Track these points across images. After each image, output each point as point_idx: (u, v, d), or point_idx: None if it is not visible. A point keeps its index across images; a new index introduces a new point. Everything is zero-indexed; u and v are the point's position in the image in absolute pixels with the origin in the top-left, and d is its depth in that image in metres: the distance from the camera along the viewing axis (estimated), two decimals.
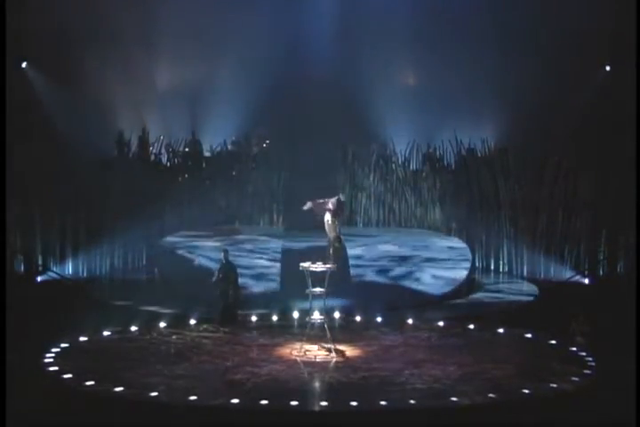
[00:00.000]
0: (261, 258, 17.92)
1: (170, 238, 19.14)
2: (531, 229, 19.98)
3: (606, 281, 18.70)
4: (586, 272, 19.13)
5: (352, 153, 21.93)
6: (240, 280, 15.26)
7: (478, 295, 17.64)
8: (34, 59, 21.12)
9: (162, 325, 14.49)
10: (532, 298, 17.39)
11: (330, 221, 12.98)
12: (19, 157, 17.94)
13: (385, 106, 21.92)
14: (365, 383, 11.31)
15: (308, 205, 13.30)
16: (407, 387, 11.10)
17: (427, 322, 15.02)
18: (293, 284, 15.87)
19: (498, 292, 18.12)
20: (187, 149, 21.92)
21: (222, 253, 15.27)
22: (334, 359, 12.49)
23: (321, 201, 13.12)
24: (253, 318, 15.11)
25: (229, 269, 15.05)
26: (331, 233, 12.98)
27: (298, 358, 12.51)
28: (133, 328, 14.25)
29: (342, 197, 13.49)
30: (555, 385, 11.18)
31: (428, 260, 18.18)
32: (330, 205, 13.02)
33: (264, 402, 10.38)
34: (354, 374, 11.74)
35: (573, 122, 20.75)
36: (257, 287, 16.79)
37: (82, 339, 13.51)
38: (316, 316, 13.12)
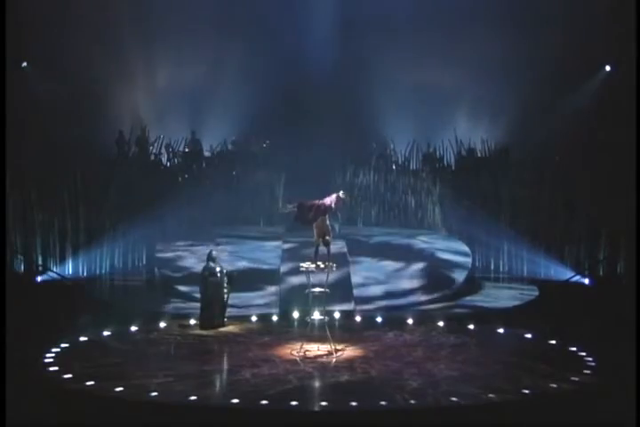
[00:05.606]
0: (260, 257, 17.95)
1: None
2: (531, 229, 19.97)
3: (606, 281, 18.68)
4: (586, 272, 19.12)
5: (352, 153, 21.92)
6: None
7: (478, 295, 17.62)
8: (34, 59, 21.14)
9: (162, 325, 14.51)
10: (531, 298, 17.38)
11: (323, 220, 12.71)
12: (18, 156, 17.94)
13: (385, 105, 21.93)
14: (365, 383, 11.30)
15: (290, 207, 12.98)
16: (407, 387, 11.09)
17: (426, 322, 15.02)
18: (293, 284, 15.95)
19: (497, 291, 18.10)
20: (187, 149, 21.93)
21: (213, 254, 14.77)
22: (334, 359, 12.49)
23: (316, 202, 12.80)
24: (253, 319, 15.14)
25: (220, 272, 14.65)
26: (321, 232, 12.73)
27: (298, 358, 12.52)
28: (133, 328, 14.25)
29: (342, 195, 13.11)
30: (554, 385, 11.18)
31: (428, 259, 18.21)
32: (327, 202, 12.82)
33: (264, 402, 10.37)
34: (354, 374, 11.74)
35: (573, 122, 20.76)
36: (255, 288, 16.80)
37: (82, 339, 13.52)
38: (316, 316, 13.13)
